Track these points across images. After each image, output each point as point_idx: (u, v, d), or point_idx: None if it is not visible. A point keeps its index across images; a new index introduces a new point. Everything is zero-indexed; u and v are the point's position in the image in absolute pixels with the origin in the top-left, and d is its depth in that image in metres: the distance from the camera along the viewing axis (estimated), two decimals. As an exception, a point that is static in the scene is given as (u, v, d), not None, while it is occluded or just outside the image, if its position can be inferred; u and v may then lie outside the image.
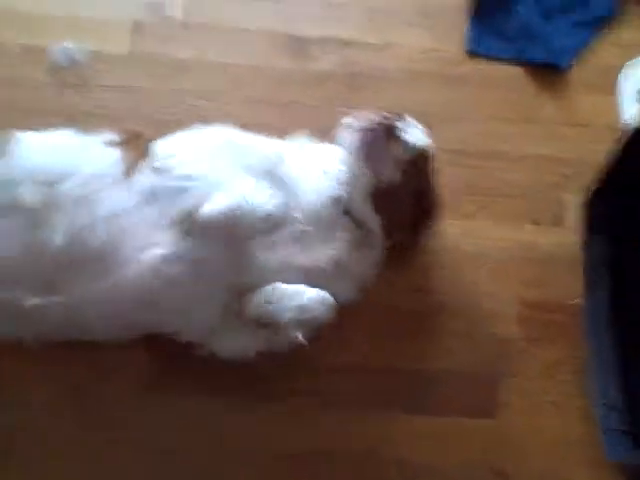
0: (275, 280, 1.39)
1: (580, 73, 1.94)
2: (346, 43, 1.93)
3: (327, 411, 1.57)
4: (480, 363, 1.63)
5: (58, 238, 1.30)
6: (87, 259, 1.32)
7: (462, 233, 1.74)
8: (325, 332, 1.44)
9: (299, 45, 1.93)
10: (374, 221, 1.49)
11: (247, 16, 1.97)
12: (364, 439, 1.56)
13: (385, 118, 1.43)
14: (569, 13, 1.99)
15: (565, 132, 1.88)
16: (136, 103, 1.83)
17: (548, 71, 1.93)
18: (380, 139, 1.42)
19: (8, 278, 1.33)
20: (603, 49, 1.98)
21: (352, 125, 1.43)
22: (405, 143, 1.44)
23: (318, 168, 1.49)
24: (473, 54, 1.93)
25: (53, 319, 1.36)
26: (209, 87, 1.86)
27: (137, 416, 1.55)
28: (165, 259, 1.32)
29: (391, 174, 1.44)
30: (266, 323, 1.38)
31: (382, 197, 1.46)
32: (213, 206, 1.29)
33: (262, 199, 1.32)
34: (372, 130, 1.41)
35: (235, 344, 1.45)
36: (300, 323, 1.36)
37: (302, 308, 1.35)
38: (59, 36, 1.87)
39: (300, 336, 1.36)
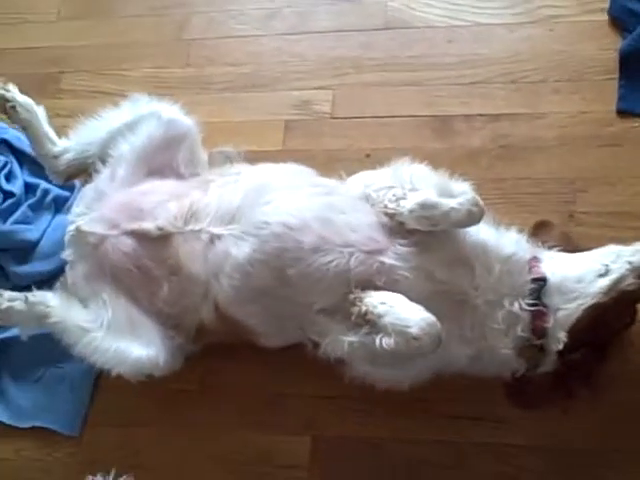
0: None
1: None
2: (493, 117, 2.03)
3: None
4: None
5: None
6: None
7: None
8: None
9: (445, 125, 2.06)
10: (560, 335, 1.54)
11: (391, 103, 2.13)
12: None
13: None
14: None
15: None
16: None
17: None
18: None
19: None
20: None
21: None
22: None
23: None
24: (625, 113, 1.96)
25: None
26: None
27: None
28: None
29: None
30: (368, 320, 1.47)
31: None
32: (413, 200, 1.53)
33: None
34: None
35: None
36: (396, 332, 1.43)
37: (406, 320, 1.43)
38: (217, 141, 2.08)
39: (392, 343, 1.43)
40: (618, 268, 1.52)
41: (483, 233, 1.59)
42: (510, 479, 1.64)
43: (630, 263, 1.51)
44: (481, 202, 1.52)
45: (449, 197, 1.53)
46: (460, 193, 1.53)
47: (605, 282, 1.52)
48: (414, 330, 1.42)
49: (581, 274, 1.55)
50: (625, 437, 1.62)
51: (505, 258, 1.57)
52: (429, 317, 1.43)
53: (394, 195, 1.57)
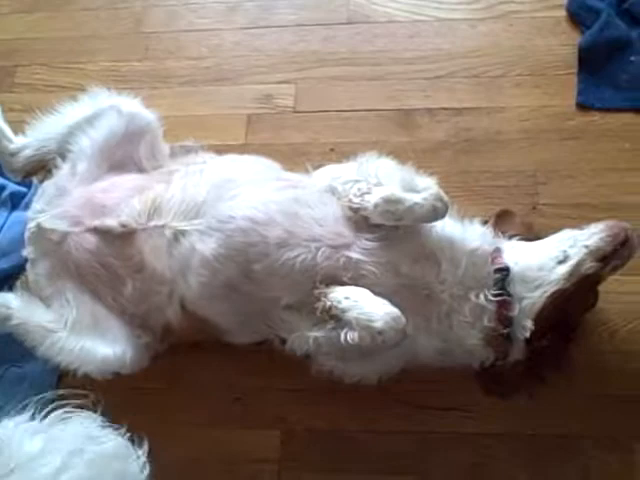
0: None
1: None
2: (456, 111, 2.08)
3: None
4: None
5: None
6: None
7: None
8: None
9: (408, 118, 2.09)
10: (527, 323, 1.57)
11: (354, 97, 2.16)
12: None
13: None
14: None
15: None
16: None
17: (665, 117, 2.00)
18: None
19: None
20: None
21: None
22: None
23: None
24: (585, 107, 2.03)
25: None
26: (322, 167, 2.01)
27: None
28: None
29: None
30: (333, 315, 1.49)
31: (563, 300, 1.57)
32: (377, 195, 1.53)
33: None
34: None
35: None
36: (360, 327, 1.45)
37: (370, 315, 1.45)
38: (178, 135, 2.06)
39: (356, 337, 1.45)
40: (576, 253, 1.57)
41: (449, 227, 1.61)
42: (480, 467, 1.67)
43: (587, 247, 1.56)
44: (445, 197, 1.54)
45: (414, 192, 1.55)
46: (424, 188, 1.55)
47: (565, 268, 1.57)
48: (378, 324, 1.44)
49: (541, 262, 1.59)
50: (593, 423, 1.67)
51: (470, 251, 1.60)
52: (393, 311, 1.46)
53: (359, 189, 1.58)
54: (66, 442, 1.25)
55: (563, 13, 2.18)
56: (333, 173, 1.68)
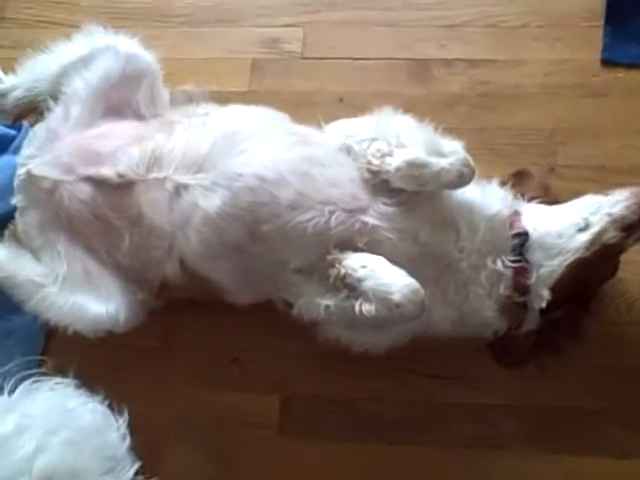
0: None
1: None
2: (472, 63, 1.97)
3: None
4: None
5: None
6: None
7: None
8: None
9: (422, 69, 1.99)
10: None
11: (366, 44, 2.05)
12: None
13: None
14: None
15: None
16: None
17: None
18: None
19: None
20: None
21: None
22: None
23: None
24: (610, 62, 1.92)
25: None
26: (331, 118, 1.92)
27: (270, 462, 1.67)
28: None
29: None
30: (347, 284, 1.43)
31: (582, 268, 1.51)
32: (400, 158, 1.46)
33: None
34: None
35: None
36: (377, 299, 1.39)
37: (388, 286, 1.39)
38: (178, 80, 1.97)
39: (372, 310, 1.39)
40: (598, 221, 1.50)
41: (469, 192, 1.54)
42: (485, 439, 1.64)
43: (610, 215, 1.50)
44: (472, 162, 1.46)
45: (438, 156, 1.46)
46: (451, 152, 1.47)
47: (586, 237, 1.50)
48: (396, 297, 1.37)
49: (561, 228, 1.53)
50: (607, 397, 1.63)
51: (490, 217, 1.53)
52: (412, 283, 1.39)
53: (379, 150, 1.50)
54: (40, 419, 1.18)
55: (591, -40, 2.05)
56: (348, 130, 1.59)
